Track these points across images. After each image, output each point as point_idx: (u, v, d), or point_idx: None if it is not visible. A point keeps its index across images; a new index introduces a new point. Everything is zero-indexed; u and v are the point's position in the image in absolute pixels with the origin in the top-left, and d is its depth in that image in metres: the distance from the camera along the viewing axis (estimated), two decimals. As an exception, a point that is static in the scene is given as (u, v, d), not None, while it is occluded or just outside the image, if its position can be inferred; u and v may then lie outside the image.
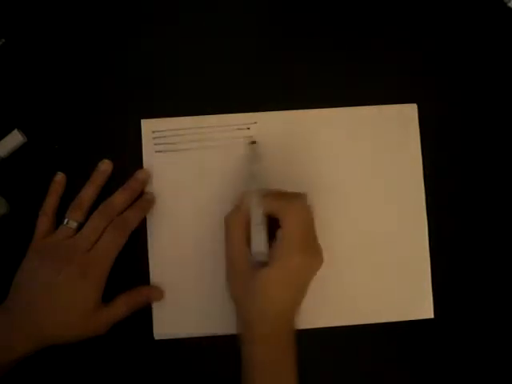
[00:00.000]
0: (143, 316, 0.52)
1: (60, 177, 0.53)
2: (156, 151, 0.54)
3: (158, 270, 0.53)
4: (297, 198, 0.49)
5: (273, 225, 0.48)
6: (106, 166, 0.53)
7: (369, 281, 0.53)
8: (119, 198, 0.51)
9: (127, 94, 0.54)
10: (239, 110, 0.54)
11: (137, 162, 0.53)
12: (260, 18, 0.56)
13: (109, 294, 0.50)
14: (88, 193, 0.51)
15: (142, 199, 0.52)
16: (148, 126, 0.54)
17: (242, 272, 0.48)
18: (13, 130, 0.53)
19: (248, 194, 0.49)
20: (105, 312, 0.49)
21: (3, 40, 0.54)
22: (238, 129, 0.54)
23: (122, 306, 0.50)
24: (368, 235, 0.54)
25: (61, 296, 0.48)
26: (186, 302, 0.52)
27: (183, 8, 0.55)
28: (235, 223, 0.49)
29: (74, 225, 0.50)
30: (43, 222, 0.51)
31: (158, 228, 0.53)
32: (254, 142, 0.53)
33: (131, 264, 0.52)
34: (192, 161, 0.54)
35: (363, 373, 0.54)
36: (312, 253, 0.48)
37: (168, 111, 0.54)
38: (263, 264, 0.47)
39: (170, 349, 0.52)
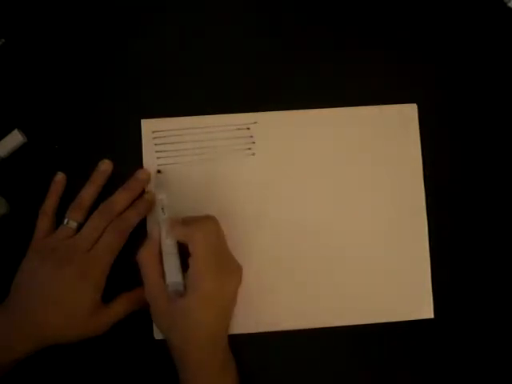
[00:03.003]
0: (143, 316, 0.52)
1: (60, 177, 0.53)
2: (156, 151, 0.53)
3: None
4: (201, 222, 0.48)
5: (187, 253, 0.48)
6: (105, 166, 0.53)
7: (369, 281, 0.53)
8: (119, 197, 0.51)
9: (127, 93, 0.54)
10: (239, 110, 0.54)
11: (137, 162, 0.53)
12: (260, 18, 0.56)
13: (109, 294, 0.50)
14: (88, 193, 0.51)
15: (142, 199, 0.52)
16: (148, 125, 0.54)
17: (163, 306, 0.48)
18: (13, 130, 0.53)
19: (156, 226, 0.49)
20: (105, 312, 0.49)
21: (3, 40, 0.54)
22: (238, 129, 0.54)
23: (122, 306, 0.50)
24: (368, 235, 0.54)
25: (61, 296, 0.48)
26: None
27: (183, 8, 0.55)
28: (148, 258, 0.48)
29: (73, 225, 0.50)
30: (43, 221, 0.51)
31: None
32: (159, 172, 0.52)
33: (131, 264, 0.52)
34: (192, 161, 0.54)
35: (363, 373, 0.54)
36: (225, 274, 0.47)
37: (168, 111, 0.54)
38: (182, 294, 0.47)
39: (170, 349, 0.52)
